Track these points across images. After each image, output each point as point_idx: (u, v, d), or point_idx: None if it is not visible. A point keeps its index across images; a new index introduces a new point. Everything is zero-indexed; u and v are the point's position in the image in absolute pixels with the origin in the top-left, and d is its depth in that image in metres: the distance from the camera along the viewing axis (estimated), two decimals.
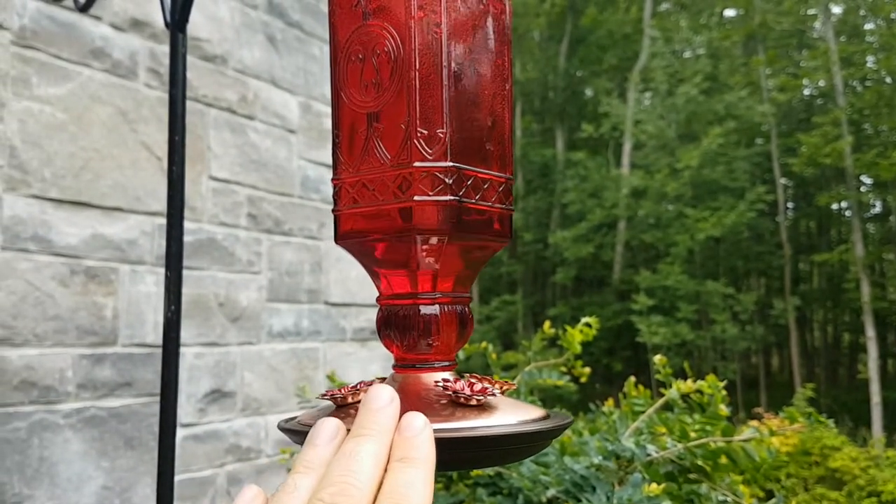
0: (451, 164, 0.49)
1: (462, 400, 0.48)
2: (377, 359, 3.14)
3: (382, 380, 0.54)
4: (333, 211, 0.55)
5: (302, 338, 2.80)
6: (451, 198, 0.49)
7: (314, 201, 2.89)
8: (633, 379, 1.43)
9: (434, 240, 0.50)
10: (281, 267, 2.72)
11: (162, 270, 2.27)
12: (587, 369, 1.54)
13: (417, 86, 0.49)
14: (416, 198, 0.49)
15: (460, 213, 0.50)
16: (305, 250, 2.84)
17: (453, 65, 0.50)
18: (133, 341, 2.18)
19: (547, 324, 1.61)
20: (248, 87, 2.64)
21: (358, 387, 0.51)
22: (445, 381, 0.50)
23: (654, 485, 1.07)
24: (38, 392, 1.95)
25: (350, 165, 0.53)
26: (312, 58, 2.95)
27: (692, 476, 1.22)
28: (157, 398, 2.25)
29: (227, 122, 2.54)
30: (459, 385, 0.49)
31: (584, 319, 1.49)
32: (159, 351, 2.25)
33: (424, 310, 0.52)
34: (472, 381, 0.50)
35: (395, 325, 0.52)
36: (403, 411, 0.47)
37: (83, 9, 0.85)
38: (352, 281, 3.04)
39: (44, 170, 1.99)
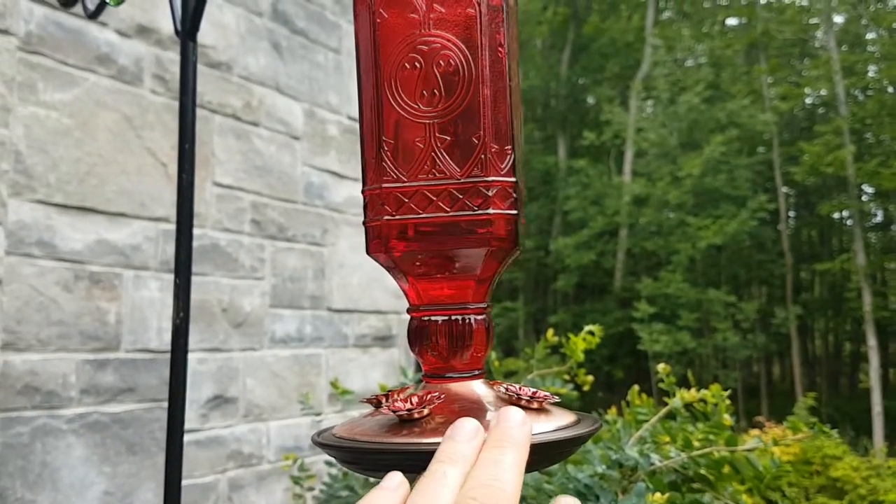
0: (515, 178, 0.52)
1: (523, 403, 0.49)
2: (378, 365, 3.14)
3: (429, 392, 0.53)
4: (374, 220, 0.53)
5: (304, 344, 2.80)
6: (516, 212, 0.52)
7: (318, 208, 2.90)
8: (636, 388, 1.43)
9: (500, 252, 0.52)
10: (284, 273, 2.73)
11: (166, 276, 2.27)
12: (590, 377, 1.54)
13: (491, 102, 0.51)
14: (491, 210, 0.50)
15: (518, 227, 0.52)
16: (308, 256, 2.84)
17: (513, 83, 0.52)
18: (136, 347, 2.19)
19: (550, 331, 1.61)
20: (253, 93, 2.64)
21: (414, 398, 0.49)
22: (508, 387, 0.51)
23: (657, 494, 1.07)
24: (41, 397, 1.95)
25: (401, 175, 0.52)
26: (317, 65, 2.96)
27: (695, 485, 1.22)
28: (160, 404, 2.26)
29: (231, 128, 2.55)
30: (516, 388, 0.50)
31: (588, 328, 1.49)
32: (162, 357, 2.26)
33: (473, 320, 0.53)
34: (517, 386, 0.51)
35: (434, 335, 0.53)
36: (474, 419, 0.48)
37: (93, 16, 0.86)
38: (354, 287, 3.04)
39: (49, 175, 2.00)
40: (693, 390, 1.28)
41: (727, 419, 1.22)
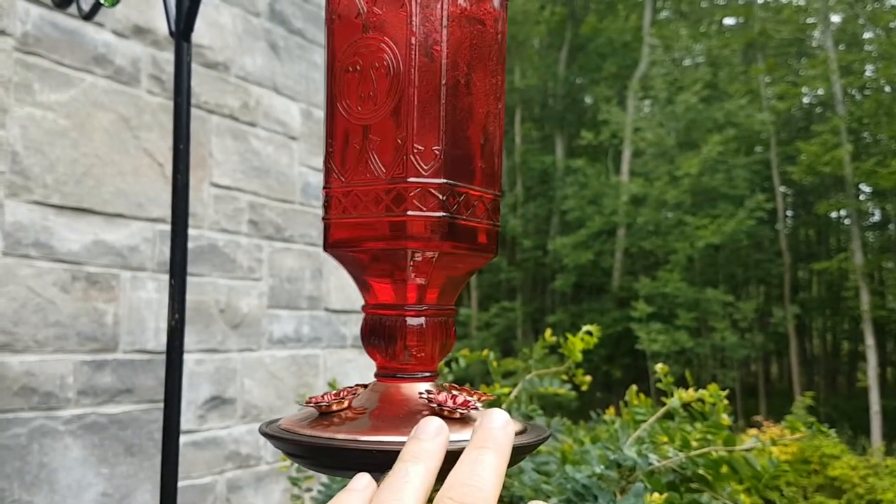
0: (444, 180, 0.50)
1: (445, 413, 0.48)
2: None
3: (364, 387, 0.55)
4: (323, 219, 0.55)
5: (302, 344, 2.80)
6: (443, 214, 0.50)
7: (315, 208, 2.90)
8: (634, 388, 1.43)
9: (424, 254, 0.51)
10: (282, 273, 2.73)
11: (163, 277, 2.27)
12: (588, 377, 1.54)
13: (416, 103, 0.50)
14: (409, 212, 0.50)
15: (451, 230, 0.51)
16: (306, 257, 2.84)
17: (450, 82, 0.51)
18: (134, 348, 2.18)
19: (548, 331, 1.61)
20: (250, 93, 2.64)
21: (342, 394, 0.52)
22: (429, 392, 0.50)
23: (655, 494, 1.07)
24: (39, 398, 1.94)
25: (342, 175, 0.53)
26: (314, 65, 2.96)
27: (693, 485, 1.22)
28: (158, 405, 2.25)
29: (228, 128, 2.54)
30: (443, 397, 0.49)
31: (586, 328, 1.49)
32: (160, 358, 2.25)
33: (410, 321, 0.53)
34: (454, 393, 0.51)
35: (379, 334, 0.53)
36: (388, 421, 0.48)
37: (87, 16, 0.85)
38: (351, 288, 3.04)
39: (46, 176, 2.00)
40: (691, 390, 1.28)
41: (725, 419, 1.22)
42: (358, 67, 0.52)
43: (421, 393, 0.51)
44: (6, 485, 1.86)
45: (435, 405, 0.49)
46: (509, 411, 0.53)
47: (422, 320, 0.53)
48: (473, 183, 0.53)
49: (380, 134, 0.51)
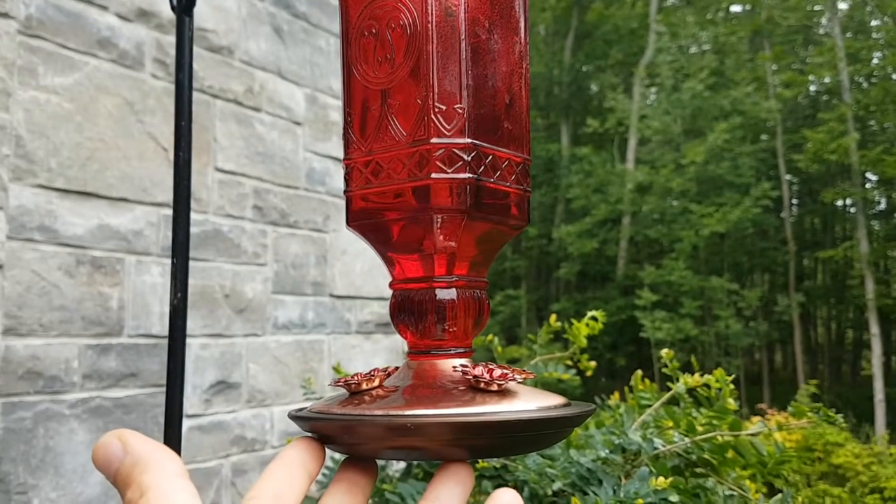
0: (469, 140, 0.48)
1: (482, 385, 0.46)
2: (381, 351, 3.14)
3: (396, 368, 0.53)
4: (345, 192, 0.53)
5: (307, 330, 2.80)
6: (470, 176, 0.48)
7: (320, 194, 2.89)
8: (639, 373, 1.43)
9: (451, 220, 0.48)
10: (286, 259, 2.72)
11: (168, 261, 2.27)
12: (593, 363, 1.53)
13: (435, 60, 0.48)
14: (433, 175, 0.47)
15: (478, 193, 0.49)
16: (311, 243, 2.84)
17: (471, 38, 0.49)
18: (139, 332, 2.18)
19: (553, 317, 1.61)
20: (255, 78, 2.63)
21: (372, 373, 0.50)
22: (464, 366, 0.48)
23: (661, 479, 1.07)
24: (44, 382, 1.95)
25: (362, 144, 0.51)
26: (319, 49, 2.94)
27: (698, 470, 1.22)
28: (163, 389, 2.26)
29: (233, 113, 2.53)
30: (479, 370, 0.47)
31: (591, 313, 1.48)
32: (164, 342, 2.25)
33: (440, 294, 0.50)
34: (491, 366, 0.48)
35: (409, 310, 0.51)
36: (422, 396, 0.46)
37: None
38: (356, 274, 3.04)
39: (50, 160, 1.99)
40: (697, 375, 1.28)
41: (731, 404, 1.21)
42: (374, 31, 0.50)
43: (455, 367, 0.49)
44: (11, 469, 1.87)
45: (471, 377, 0.47)
46: (525, 382, 0.51)
47: (453, 292, 0.50)
48: (500, 144, 0.50)
49: (399, 97, 0.49)
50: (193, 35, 0.68)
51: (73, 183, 2.04)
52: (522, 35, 0.54)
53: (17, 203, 1.91)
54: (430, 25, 0.48)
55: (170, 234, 2.26)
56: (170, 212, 2.27)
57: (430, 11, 0.48)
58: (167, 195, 2.27)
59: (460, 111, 0.48)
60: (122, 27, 2.18)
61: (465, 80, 0.48)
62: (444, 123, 0.48)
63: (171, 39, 2.31)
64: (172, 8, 0.68)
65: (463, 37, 0.48)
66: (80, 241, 2.05)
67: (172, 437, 0.74)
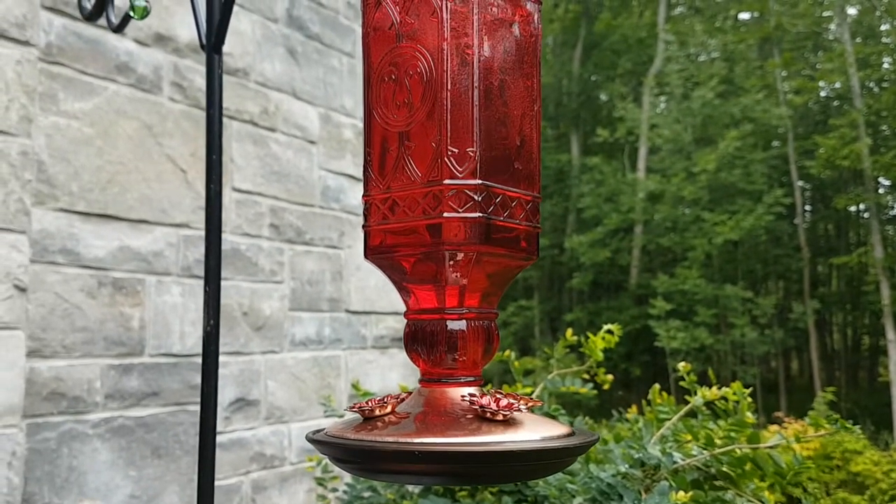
0: (480, 181, 0.51)
1: (489, 415, 0.49)
2: (397, 366, 3.16)
3: (409, 394, 0.56)
4: (364, 227, 0.56)
5: (324, 346, 2.82)
6: (480, 215, 0.51)
7: (334, 211, 2.92)
8: (657, 386, 1.44)
9: (462, 256, 0.51)
10: (303, 276, 2.75)
11: (187, 281, 2.30)
12: (610, 377, 1.55)
13: (449, 106, 0.51)
14: (445, 214, 0.50)
15: (488, 230, 0.51)
16: (326, 259, 2.86)
17: (484, 85, 0.52)
18: (160, 351, 2.21)
19: (569, 331, 1.62)
20: (270, 99, 2.67)
21: (385, 399, 0.52)
22: (472, 395, 0.51)
23: (680, 493, 1.08)
24: (67, 402, 1.98)
25: (381, 182, 0.54)
26: (332, 69, 2.98)
27: (718, 483, 1.23)
28: (184, 407, 2.28)
29: (249, 134, 2.57)
30: (486, 400, 0.50)
31: (606, 326, 1.49)
32: (185, 361, 2.28)
33: (451, 325, 0.53)
34: (498, 396, 0.51)
35: (421, 339, 0.54)
36: (431, 424, 0.49)
37: (117, 29, 0.87)
38: (371, 289, 3.06)
39: (71, 184, 2.03)
40: (714, 388, 1.29)
41: (750, 417, 1.22)
42: (393, 76, 0.54)
43: (464, 396, 0.51)
44: (36, 488, 1.89)
45: (478, 407, 0.49)
46: (532, 410, 0.53)
47: (463, 324, 0.53)
48: (510, 184, 0.53)
49: (415, 139, 0.52)
50: (223, 70, 0.71)
51: (93, 206, 2.08)
52: (535, 79, 0.57)
53: (40, 227, 1.94)
54: (445, 73, 0.51)
55: (189, 254, 2.29)
56: (189, 232, 2.30)
57: (445, 59, 0.51)
58: (186, 216, 2.30)
59: (472, 154, 0.51)
60: (139, 52, 2.22)
61: (477, 125, 0.51)
62: (456, 165, 0.51)
63: (187, 63, 2.35)
64: (202, 46, 0.71)
65: (476, 84, 0.51)
66: (102, 262, 2.09)
67: (206, 458, 0.77)
